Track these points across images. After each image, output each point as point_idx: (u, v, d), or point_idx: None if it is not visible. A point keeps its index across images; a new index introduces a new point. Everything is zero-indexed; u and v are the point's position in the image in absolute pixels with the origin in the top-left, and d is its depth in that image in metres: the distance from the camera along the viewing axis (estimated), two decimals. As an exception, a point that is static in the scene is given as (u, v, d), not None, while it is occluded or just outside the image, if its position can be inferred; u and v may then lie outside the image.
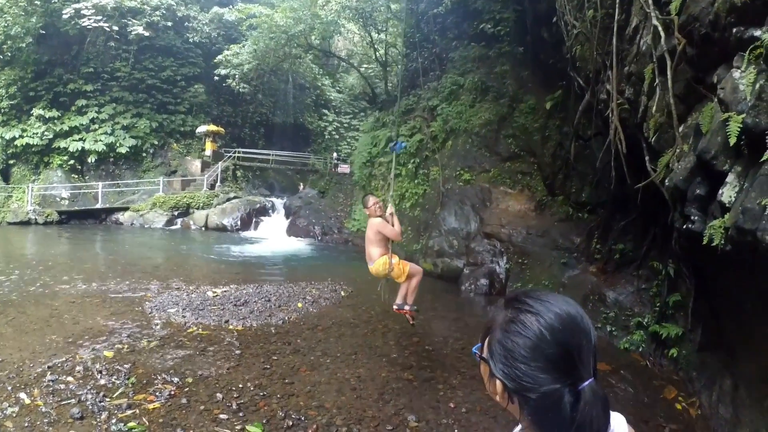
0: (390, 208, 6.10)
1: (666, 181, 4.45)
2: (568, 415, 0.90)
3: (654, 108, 4.61)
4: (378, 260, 6.06)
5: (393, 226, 6.00)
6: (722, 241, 3.15)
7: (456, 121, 14.70)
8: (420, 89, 17.89)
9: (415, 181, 15.58)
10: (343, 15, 23.98)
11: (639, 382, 6.02)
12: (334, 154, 30.75)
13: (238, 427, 4.26)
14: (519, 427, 1.05)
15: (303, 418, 4.48)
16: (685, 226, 3.97)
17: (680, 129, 4.23)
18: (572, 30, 7.36)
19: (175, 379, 5.15)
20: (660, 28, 4.33)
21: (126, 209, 23.59)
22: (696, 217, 3.78)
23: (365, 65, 29.85)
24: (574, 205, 10.66)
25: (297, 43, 24.71)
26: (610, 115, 5.89)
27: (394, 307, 6.53)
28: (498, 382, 0.98)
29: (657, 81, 4.47)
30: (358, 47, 30.55)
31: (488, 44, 15.21)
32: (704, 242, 3.36)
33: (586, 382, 0.92)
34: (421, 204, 14.87)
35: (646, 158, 5.20)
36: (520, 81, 13.79)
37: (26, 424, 4.20)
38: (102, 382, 5.07)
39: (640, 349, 7.01)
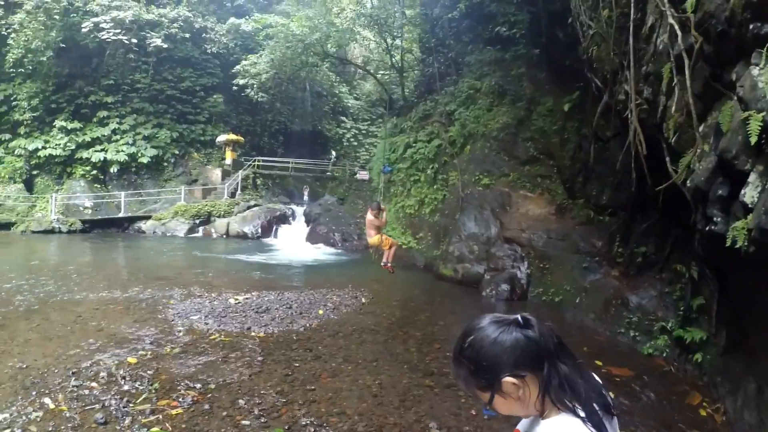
0: (384, 214, 9.64)
1: (687, 182, 4.39)
2: (535, 336, 1.16)
3: (673, 108, 4.55)
4: (375, 237, 9.31)
5: (384, 220, 9.63)
6: (745, 243, 3.10)
7: (474, 126, 14.66)
8: (437, 94, 17.90)
9: (434, 187, 15.56)
10: (359, 22, 24.19)
11: (663, 388, 5.92)
12: (333, 153, 30.78)
13: (260, 433, 4.28)
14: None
15: (324, 425, 4.50)
16: (707, 228, 3.91)
17: (700, 128, 4.16)
18: (588, 30, 7.31)
19: (198, 386, 5.21)
20: (676, 27, 4.28)
21: (148, 218, 23.92)
22: (718, 219, 3.72)
23: (382, 71, 29.98)
24: (595, 208, 10.54)
25: (313, 51, 24.94)
26: (629, 116, 5.82)
27: (382, 264, 9.57)
28: (506, 379, 1.14)
29: (675, 80, 4.41)
30: (374, 54, 30.69)
31: (504, 47, 15.18)
32: (727, 244, 3.30)
33: (519, 315, 1.20)
34: (441, 209, 14.84)
35: (667, 159, 5.13)
36: (537, 83, 13.70)
37: (50, 429, 4.27)
38: (125, 387, 5.15)
39: (664, 354, 6.90)
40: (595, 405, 1.13)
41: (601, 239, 9.83)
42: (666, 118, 4.88)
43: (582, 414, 1.09)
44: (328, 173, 30.59)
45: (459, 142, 15.15)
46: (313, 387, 5.35)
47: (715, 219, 3.75)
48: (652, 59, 5.20)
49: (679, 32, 4.23)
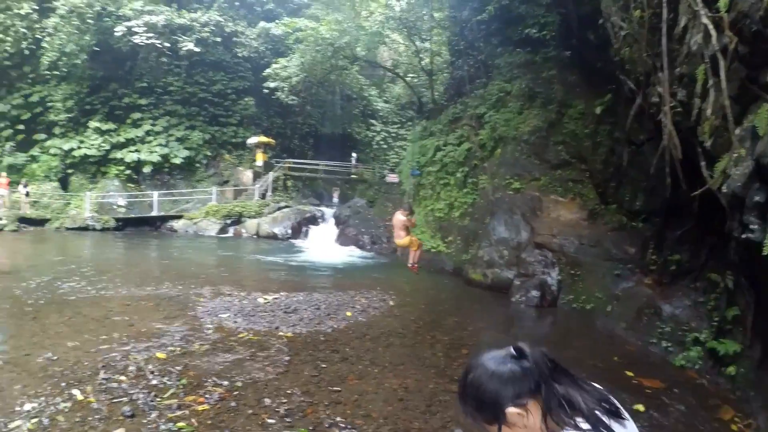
0: (414, 216, 9.93)
1: (723, 187, 4.26)
2: (529, 365, 1.19)
3: (709, 110, 4.42)
4: (405, 238, 9.35)
5: (414, 221, 9.89)
6: (783, 251, 2.99)
7: (504, 129, 14.51)
8: (467, 97, 17.81)
9: (464, 190, 15.47)
10: (387, 25, 24.24)
11: (694, 401, 5.74)
12: (354, 155, 30.83)
13: (285, 432, 4.31)
14: None
15: (349, 427, 4.50)
16: (743, 236, 3.80)
17: (736, 132, 4.04)
18: (619, 31, 7.16)
19: (225, 383, 5.30)
20: (710, 26, 4.16)
21: (180, 217, 24.49)
22: (755, 226, 3.60)
23: (411, 74, 29.96)
24: (628, 214, 10.28)
25: (343, 54, 25.11)
26: (663, 119, 5.68)
27: (409, 264, 9.86)
28: (510, 410, 1.17)
29: (710, 82, 4.29)
30: (403, 57, 30.70)
31: (534, 49, 14.99)
32: (764, 252, 3.20)
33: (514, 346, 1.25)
34: (470, 213, 14.74)
35: (702, 163, 4.98)
36: (568, 86, 13.46)
37: (78, 419, 4.39)
38: (154, 382, 5.26)
39: (697, 366, 6.68)
40: (598, 413, 1.14)
41: (634, 246, 9.61)
42: (701, 121, 4.74)
43: (586, 426, 1.11)
44: (352, 175, 30.70)
45: (489, 146, 15.02)
46: (339, 388, 5.37)
47: (751, 226, 3.63)
48: (686, 60, 5.07)
49: (713, 32, 4.12)
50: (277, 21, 30.07)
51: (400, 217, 9.44)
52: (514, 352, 1.22)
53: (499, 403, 1.18)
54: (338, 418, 4.63)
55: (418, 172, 17.60)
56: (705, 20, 4.24)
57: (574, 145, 12.47)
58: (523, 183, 13.14)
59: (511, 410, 1.16)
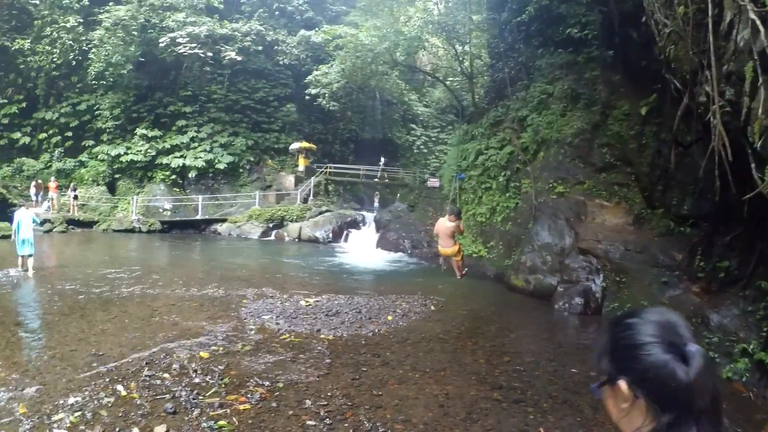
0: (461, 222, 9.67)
1: (774, 190, 4.09)
2: (683, 380, 0.96)
3: (759, 109, 4.25)
4: (453, 246, 9.04)
5: (462, 228, 9.53)
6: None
7: (547, 131, 14.24)
8: (508, 100, 17.59)
9: (507, 195, 15.26)
10: (426, 30, 24.26)
11: (740, 415, 5.51)
12: (382, 159, 30.86)
13: (325, 435, 4.35)
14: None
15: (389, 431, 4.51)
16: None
17: (789, 132, 3.88)
18: (663, 29, 6.94)
19: (266, 383, 5.41)
20: (758, 22, 4.01)
21: (224, 221, 25.21)
22: (809, 229, 3.44)
23: (451, 78, 29.89)
24: (675, 219, 9.92)
25: (382, 60, 25.30)
26: (712, 119, 5.47)
27: (459, 275, 9.63)
28: (622, 383, 1.03)
29: (760, 80, 4.12)
30: (442, 61, 30.68)
31: (575, 49, 14.67)
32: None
33: (693, 345, 0.99)
34: (513, 218, 14.52)
35: (752, 165, 4.79)
36: (612, 86, 13.08)
37: (120, 414, 4.55)
38: (196, 380, 5.42)
39: (744, 379, 6.39)
40: None
41: (682, 252, 9.25)
42: (750, 120, 4.56)
43: None
44: (376, 180, 30.79)
45: (532, 149, 14.77)
46: (379, 392, 5.39)
47: (805, 230, 3.47)
48: (734, 57, 4.88)
49: (761, 28, 3.97)
50: (316, 29, 30.67)
51: (447, 224, 8.91)
52: (683, 351, 0.98)
53: (623, 368, 1.03)
54: (378, 423, 4.64)
55: (462, 175, 17.33)
56: (752, 15, 4.09)
57: (619, 147, 12.11)
58: (567, 187, 12.86)
59: (623, 384, 1.03)
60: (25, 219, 11.87)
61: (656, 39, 7.40)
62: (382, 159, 30.69)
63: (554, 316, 10.12)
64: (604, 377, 1.08)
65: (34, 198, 23.79)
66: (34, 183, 24.52)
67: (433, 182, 26.17)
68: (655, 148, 10.76)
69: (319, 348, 6.82)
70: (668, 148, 9.03)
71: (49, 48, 27.70)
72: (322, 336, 7.41)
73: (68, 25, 27.57)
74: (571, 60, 14.86)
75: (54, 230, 21.27)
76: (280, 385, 5.41)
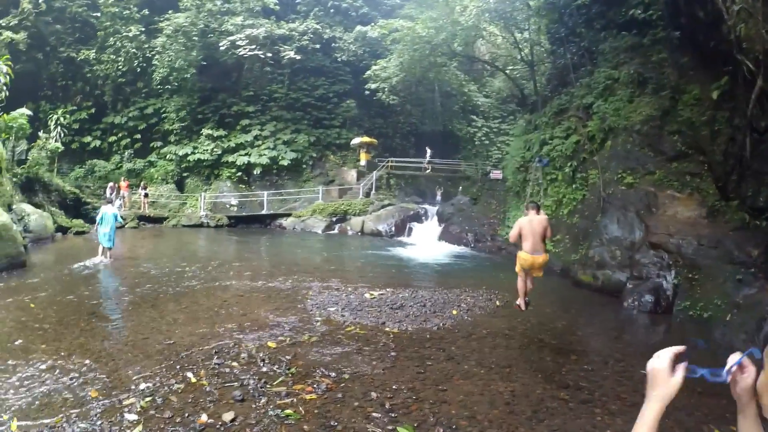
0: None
1: None
2: None
3: None
4: (545, 254, 7.20)
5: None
6: None
7: (614, 119, 13.60)
8: (571, 86, 16.97)
9: (573, 186, 14.78)
10: (483, 18, 23.81)
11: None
12: (428, 150, 30.19)
13: (390, 427, 4.35)
14: None
15: (453, 427, 4.44)
16: None
17: None
18: (731, 6, 6.43)
19: (332, 374, 5.46)
20: None
21: (288, 215, 25.88)
22: None
23: (510, 67, 29.14)
24: (751, 211, 9.24)
25: (440, 51, 25.05)
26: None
27: (524, 303, 7.59)
28: None
29: None
30: (501, 49, 29.99)
31: (640, 31, 13.94)
32: None
33: None
34: (580, 210, 14.03)
35: None
36: (681, 69, 12.28)
37: (190, 400, 4.69)
38: (264, 369, 5.54)
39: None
40: None
41: (758, 248, 8.62)
42: None
43: None
44: (425, 171, 30.47)
45: (598, 138, 14.17)
46: (444, 387, 5.32)
47: None
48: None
49: None
50: (372, 24, 30.71)
51: (538, 219, 7.07)
52: None
53: None
54: (442, 417, 4.58)
55: (546, 161, 15.85)
56: None
57: (690, 134, 11.39)
58: (637, 177, 12.25)
59: None
60: (108, 214, 12.74)
61: (725, 17, 6.89)
62: (428, 150, 30.36)
63: (623, 314, 9.69)
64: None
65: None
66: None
67: (496, 174, 25.75)
68: (729, 135, 10.04)
69: (384, 341, 6.83)
70: (743, 134, 8.40)
71: (114, 57, 29.52)
72: (387, 329, 7.42)
73: (131, 35, 29.26)
74: (636, 43, 14.14)
75: (126, 226, 22.46)
76: (346, 376, 5.44)
